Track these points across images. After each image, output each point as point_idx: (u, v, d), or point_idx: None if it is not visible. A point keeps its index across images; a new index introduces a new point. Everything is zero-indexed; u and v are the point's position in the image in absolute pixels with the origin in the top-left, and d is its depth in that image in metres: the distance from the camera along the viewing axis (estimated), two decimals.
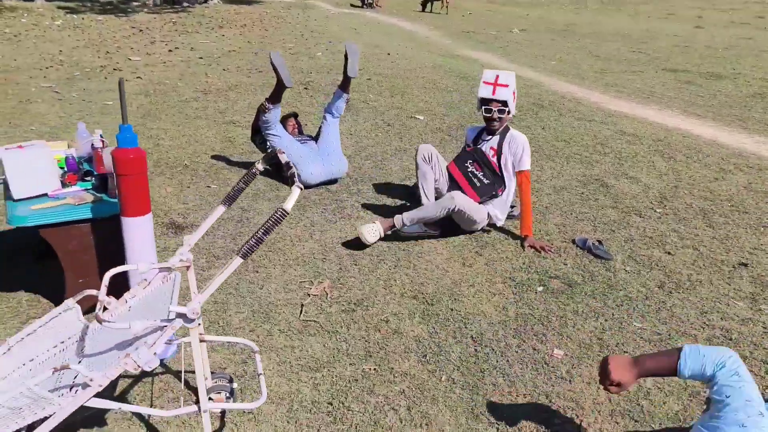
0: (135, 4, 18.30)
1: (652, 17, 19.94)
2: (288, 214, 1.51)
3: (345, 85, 4.35)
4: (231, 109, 6.34)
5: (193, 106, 6.44)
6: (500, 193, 3.47)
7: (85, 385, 1.47)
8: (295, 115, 4.66)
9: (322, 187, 4.25)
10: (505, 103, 3.35)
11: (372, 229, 3.23)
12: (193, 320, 1.54)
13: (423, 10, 21.22)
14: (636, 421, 2.06)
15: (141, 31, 12.81)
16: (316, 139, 4.45)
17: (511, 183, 3.48)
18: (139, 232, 2.18)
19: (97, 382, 1.45)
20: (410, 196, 4.09)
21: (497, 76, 3.37)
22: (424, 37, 13.64)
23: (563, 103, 6.88)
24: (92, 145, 2.80)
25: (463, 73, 8.63)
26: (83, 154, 2.91)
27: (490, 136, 3.51)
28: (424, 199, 3.56)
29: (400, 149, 5.15)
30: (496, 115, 3.36)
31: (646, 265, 3.16)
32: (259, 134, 4.41)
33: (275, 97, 4.13)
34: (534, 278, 3.03)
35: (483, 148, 3.52)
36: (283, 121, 4.45)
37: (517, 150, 3.41)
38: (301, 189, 1.56)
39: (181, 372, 2.20)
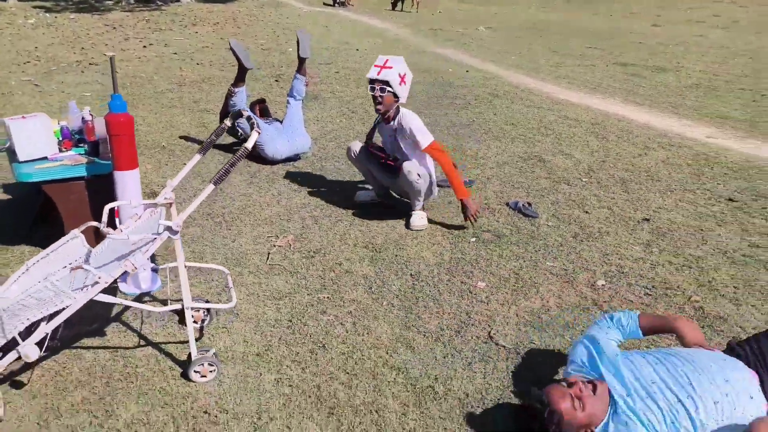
0: (108, 2, 18.47)
1: (615, 16, 20.77)
2: (249, 151, 1.98)
3: (300, 67, 4.83)
4: (205, 99, 6.75)
5: (168, 96, 6.83)
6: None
7: (94, 283, 1.92)
8: (262, 101, 5.11)
9: (288, 164, 4.71)
10: (387, 83, 3.38)
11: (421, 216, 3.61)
12: (177, 232, 1.99)
13: (393, 9, 21.76)
14: (534, 328, 2.58)
15: (114, 28, 13.07)
16: (280, 121, 4.91)
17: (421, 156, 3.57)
18: (130, 182, 2.63)
19: (104, 279, 1.90)
20: None
21: (386, 60, 3.48)
22: (394, 35, 14.16)
23: (516, 93, 7.44)
24: (83, 118, 3.22)
25: (426, 68, 9.15)
26: (74, 127, 3.32)
27: (388, 123, 3.61)
28: (373, 193, 3.95)
29: (362, 132, 5.64)
30: (377, 93, 3.41)
31: (565, 221, 3.69)
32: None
33: (239, 80, 4.59)
34: (469, 232, 3.54)
35: (384, 135, 3.75)
36: (252, 106, 4.90)
37: (405, 133, 3.49)
38: (259, 133, 2.03)
39: (167, 300, 2.65)
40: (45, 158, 2.87)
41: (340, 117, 6.17)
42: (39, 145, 2.84)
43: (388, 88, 3.41)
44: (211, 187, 2.00)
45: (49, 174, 2.74)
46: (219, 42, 11.31)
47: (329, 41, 11.57)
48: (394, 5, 21.84)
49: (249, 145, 1.98)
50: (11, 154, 2.88)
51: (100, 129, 2.85)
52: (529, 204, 3.88)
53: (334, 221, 3.67)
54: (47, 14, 15.58)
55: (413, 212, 3.62)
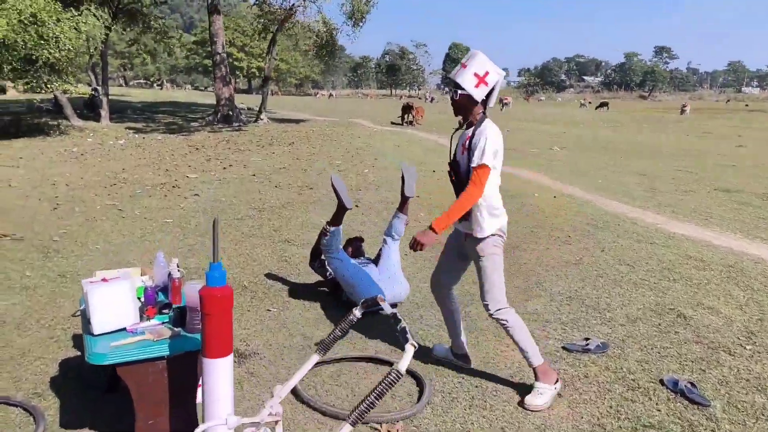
0: (194, 124, 19.58)
1: (691, 136, 20.22)
2: (402, 375, 1.40)
3: (403, 207, 4.37)
4: (285, 227, 6.44)
5: (248, 224, 6.57)
6: (474, 213, 2.92)
7: None
8: (359, 240, 4.67)
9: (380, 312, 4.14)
10: (457, 85, 2.84)
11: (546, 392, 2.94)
12: None
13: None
14: None
15: (197, 149, 13.57)
16: (376, 262, 4.42)
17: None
18: (219, 374, 2.09)
19: None
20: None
21: (467, 57, 2.90)
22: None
23: (618, 223, 6.78)
24: (169, 274, 2.80)
25: (509, 192, 8.70)
26: (159, 283, 2.90)
27: (468, 130, 2.94)
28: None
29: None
30: (451, 95, 2.93)
31: (750, 414, 2.86)
32: (317, 259, 4.41)
33: (336, 220, 4.16)
34: (626, 426, 2.76)
35: (458, 143, 3.05)
36: (347, 244, 4.46)
37: (478, 142, 2.80)
38: (415, 348, 1.46)
39: None
40: (123, 329, 2.41)
41: (431, 250, 5.64)
42: (118, 315, 2.39)
43: (461, 91, 2.84)
44: (315, 358, 1.42)
45: (126, 355, 2.25)
46: (295, 163, 11.41)
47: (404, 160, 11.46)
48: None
49: (402, 367, 1.40)
50: (86, 321, 2.44)
51: (191, 296, 2.38)
52: (693, 385, 3.08)
53: (449, 400, 2.99)
54: (136, 135, 16.52)
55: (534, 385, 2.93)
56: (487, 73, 2.80)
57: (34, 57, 12.81)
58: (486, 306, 2.95)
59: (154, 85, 78.38)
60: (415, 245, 2.90)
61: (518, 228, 6.49)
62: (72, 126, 17.20)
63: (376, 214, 6.98)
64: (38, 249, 5.34)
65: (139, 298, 2.70)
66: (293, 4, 19.22)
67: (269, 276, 4.86)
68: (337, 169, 10.65)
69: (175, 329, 2.44)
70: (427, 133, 20.15)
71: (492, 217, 2.91)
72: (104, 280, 2.44)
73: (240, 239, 5.91)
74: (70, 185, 8.59)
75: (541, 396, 2.90)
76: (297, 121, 23.36)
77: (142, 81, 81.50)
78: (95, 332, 2.35)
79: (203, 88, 75.83)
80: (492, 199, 2.91)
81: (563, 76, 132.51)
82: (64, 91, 16.43)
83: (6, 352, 3.34)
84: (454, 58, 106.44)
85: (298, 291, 4.53)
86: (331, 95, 72.55)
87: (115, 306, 2.38)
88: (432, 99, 63.62)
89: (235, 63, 75.87)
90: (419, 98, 78.53)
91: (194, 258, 5.22)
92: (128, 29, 18.51)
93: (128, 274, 2.57)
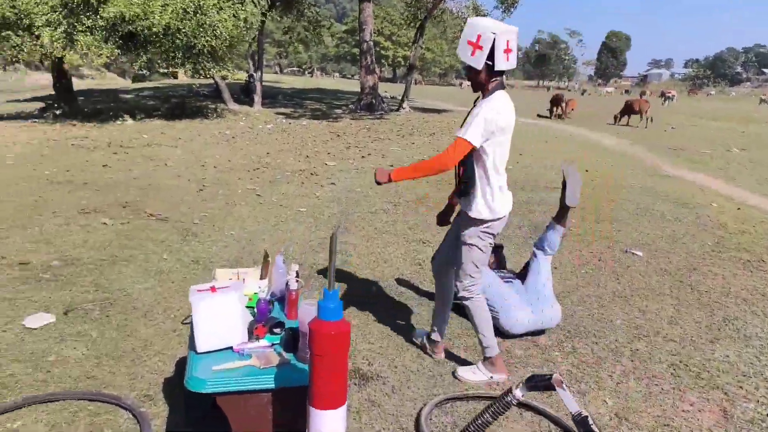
0: (338, 111, 19.97)
1: None
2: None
3: (561, 217, 3.67)
4: (421, 225, 5.99)
5: (382, 218, 6.23)
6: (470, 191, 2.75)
7: None
8: (500, 247, 4.08)
9: (526, 338, 3.52)
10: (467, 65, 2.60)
11: None
12: None
13: (615, 123, 20.17)
14: None
15: (339, 136, 13.66)
16: (521, 277, 3.79)
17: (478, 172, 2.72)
18: (328, 429, 1.66)
19: None
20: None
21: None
22: (623, 153, 12.61)
23: None
24: (287, 283, 2.45)
25: (681, 199, 7.48)
26: (276, 291, 2.57)
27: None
28: None
29: (620, 294, 4.25)
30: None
31: None
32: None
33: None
34: None
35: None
36: None
37: (472, 113, 2.60)
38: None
39: None
40: (230, 348, 2.08)
41: (584, 266, 4.87)
42: (224, 331, 2.07)
43: (471, 67, 2.58)
44: None
45: (227, 384, 1.91)
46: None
47: (554, 159, 10.48)
48: (617, 118, 20.26)
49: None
50: (192, 333, 2.15)
51: (304, 320, 1.98)
52: None
53: None
54: (284, 120, 17.13)
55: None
56: (479, 37, 2.50)
57: (193, 44, 13.63)
58: (456, 287, 2.92)
59: (306, 72, 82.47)
60: (376, 180, 2.81)
61: (695, 245, 5.44)
62: (228, 110, 18.31)
63: (521, 217, 6.28)
64: (179, 231, 5.42)
65: (251, 307, 2.39)
66: None
67: (400, 281, 4.43)
68: None
69: (286, 355, 2.06)
70: (575, 128, 18.64)
71: (484, 201, 2.73)
72: (213, 289, 2.13)
73: (372, 235, 5.57)
74: (218, 167, 8.90)
75: (474, 375, 2.93)
76: (439, 111, 22.89)
77: (295, 69, 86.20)
78: (199, 349, 2.04)
79: (350, 77, 78.23)
80: (487, 182, 2.71)
81: (739, 68, 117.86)
82: (223, 77, 17.47)
83: (129, 342, 3.25)
84: (612, 47, 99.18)
85: (431, 302, 4.05)
86: None
87: (222, 321, 2.07)
88: (584, 91, 59.73)
89: (382, 52, 77.39)
90: (568, 90, 74.25)
91: (323, 253, 4.96)
92: (284, 17, 19.25)
93: (240, 286, 2.23)
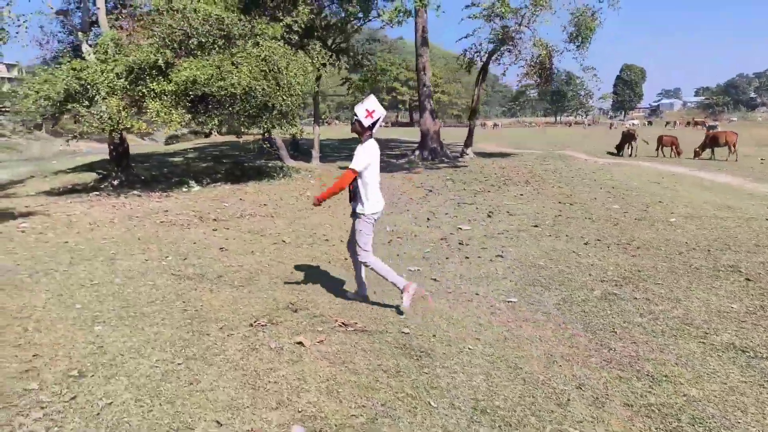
0: (402, 161, 18.78)
1: None
2: None
3: None
4: (690, 313, 4.57)
5: (617, 306, 4.82)
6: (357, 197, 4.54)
7: None
8: None
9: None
10: (355, 114, 4.44)
11: None
12: None
13: (695, 158, 18.90)
14: None
15: (430, 191, 12.38)
16: None
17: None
18: None
19: None
20: None
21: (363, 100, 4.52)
22: (736, 188, 11.14)
23: None
24: None
25: None
26: None
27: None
28: None
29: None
30: (352, 120, 4.52)
31: None
32: None
33: None
34: None
35: None
36: None
37: (356, 152, 4.37)
38: None
39: None
40: None
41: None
42: None
43: (356, 118, 4.43)
44: None
45: None
46: (563, 208, 9.55)
47: (688, 207, 9.09)
48: (697, 153, 18.98)
49: None
50: None
51: None
52: None
53: None
54: None
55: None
56: (374, 111, 4.40)
57: (269, 104, 12.65)
58: (357, 255, 4.62)
59: (323, 122, 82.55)
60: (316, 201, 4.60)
61: None
62: (288, 167, 17.18)
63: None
64: (403, 350, 4.04)
65: None
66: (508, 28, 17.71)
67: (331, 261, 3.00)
68: (632, 217, 8.64)
69: None
70: (655, 164, 17.37)
71: (367, 202, 4.49)
72: None
73: (626, 336, 4.15)
74: (344, 241, 7.57)
75: (405, 301, 4.57)
76: (502, 155, 21.73)
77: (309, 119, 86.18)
78: None
79: (383, 125, 78.00)
80: (367, 191, 4.47)
81: (752, 94, 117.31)
82: (293, 135, 16.40)
83: None
84: (626, 80, 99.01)
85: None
86: (495, 125, 70.28)
87: None
88: (589, 124, 59.28)
89: (398, 97, 77.39)
90: (578, 124, 73.41)
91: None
92: (340, 69, 18.31)
93: None
